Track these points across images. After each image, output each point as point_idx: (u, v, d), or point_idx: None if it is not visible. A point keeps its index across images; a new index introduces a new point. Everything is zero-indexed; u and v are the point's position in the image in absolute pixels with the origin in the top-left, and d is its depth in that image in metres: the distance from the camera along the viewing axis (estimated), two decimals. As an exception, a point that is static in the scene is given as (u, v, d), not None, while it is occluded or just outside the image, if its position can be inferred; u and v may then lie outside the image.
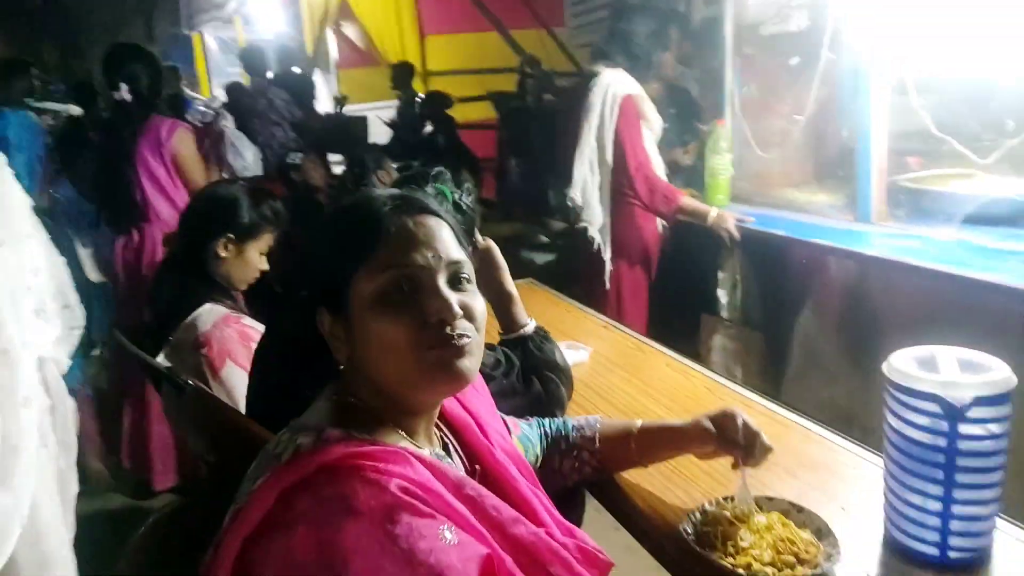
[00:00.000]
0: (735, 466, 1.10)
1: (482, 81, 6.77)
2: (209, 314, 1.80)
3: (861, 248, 2.15)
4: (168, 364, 1.71)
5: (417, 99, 6.14)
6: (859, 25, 2.18)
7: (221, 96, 4.85)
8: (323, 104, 6.43)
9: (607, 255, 2.64)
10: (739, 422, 1.09)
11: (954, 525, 0.95)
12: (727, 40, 2.68)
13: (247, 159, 3.14)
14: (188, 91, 6.81)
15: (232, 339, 1.79)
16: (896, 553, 1.00)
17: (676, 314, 2.68)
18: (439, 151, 5.32)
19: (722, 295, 2.50)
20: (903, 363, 1.00)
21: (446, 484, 0.79)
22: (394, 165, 3.47)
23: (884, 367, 1.02)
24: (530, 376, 1.39)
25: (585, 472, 1.21)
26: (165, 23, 8.96)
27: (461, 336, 0.81)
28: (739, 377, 2.47)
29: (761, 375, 2.47)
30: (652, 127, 2.65)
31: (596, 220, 2.63)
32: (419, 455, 0.80)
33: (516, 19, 7.15)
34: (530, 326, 1.44)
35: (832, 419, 2.24)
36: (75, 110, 4.33)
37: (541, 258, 4.00)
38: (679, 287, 2.70)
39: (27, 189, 1.52)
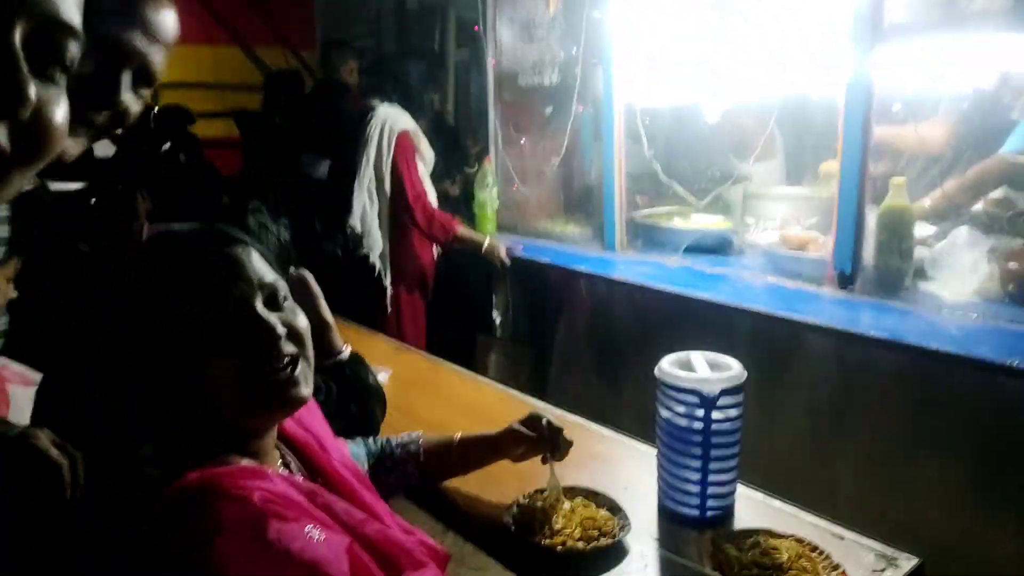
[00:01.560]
0: (544, 460, 1.30)
1: (222, 97, 6.45)
2: (-44, 355, 1.58)
3: (609, 273, 2.53)
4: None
5: (152, 113, 5.68)
6: (602, 83, 2.57)
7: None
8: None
9: (387, 280, 2.76)
10: (544, 422, 1.29)
11: (710, 490, 1.24)
12: (489, 86, 2.97)
13: None
14: None
15: (-13, 383, 1.60)
16: (668, 518, 1.27)
17: (454, 335, 2.88)
18: (182, 170, 5.00)
19: (496, 316, 2.75)
20: (669, 366, 1.27)
21: (300, 493, 0.86)
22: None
23: (656, 370, 1.28)
24: (347, 400, 1.47)
25: (410, 483, 1.33)
26: None
27: (288, 364, 0.85)
28: (513, 388, 2.73)
29: (530, 384, 2.76)
30: (425, 160, 2.83)
31: (376, 247, 2.74)
32: (271, 472, 0.86)
33: (260, 37, 6.92)
34: (345, 352, 1.51)
35: (585, 415, 2.60)
36: None
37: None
38: (455, 310, 2.91)
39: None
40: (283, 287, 0.89)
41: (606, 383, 2.55)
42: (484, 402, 1.81)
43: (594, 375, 2.57)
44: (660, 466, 1.30)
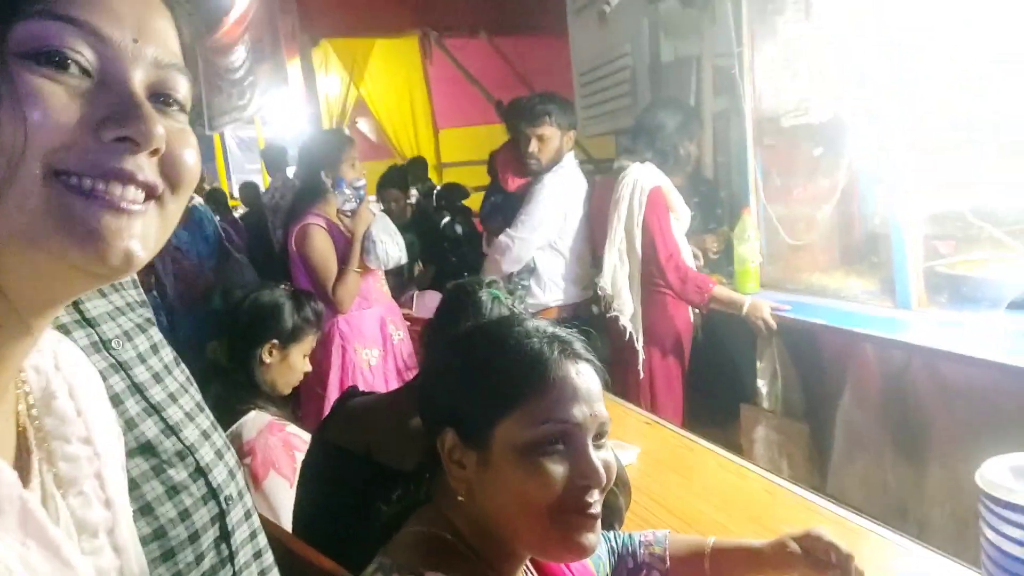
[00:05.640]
0: None
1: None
2: (254, 422, 1.76)
3: (903, 336, 2.10)
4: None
5: (434, 190, 6.26)
6: (883, 117, 2.21)
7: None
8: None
9: (639, 344, 2.61)
10: (827, 543, 1.03)
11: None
12: (748, 132, 2.73)
13: (391, 251, 2.67)
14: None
15: (276, 448, 1.75)
16: None
17: (714, 404, 2.62)
18: (458, 240, 5.39)
19: (762, 385, 2.45)
20: (998, 474, 0.95)
21: None
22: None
23: (978, 478, 0.97)
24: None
25: (655, 594, 1.14)
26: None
27: (596, 504, 0.77)
28: (785, 469, 2.39)
29: (807, 467, 2.39)
30: (680, 217, 2.67)
31: (627, 309, 2.62)
32: None
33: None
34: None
35: (884, 511, 2.15)
36: None
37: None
38: (716, 377, 2.65)
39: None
40: (609, 425, 0.81)
41: (905, 477, 2.11)
42: (748, 493, 1.56)
43: (889, 465, 2.13)
44: (992, 608, 0.96)
